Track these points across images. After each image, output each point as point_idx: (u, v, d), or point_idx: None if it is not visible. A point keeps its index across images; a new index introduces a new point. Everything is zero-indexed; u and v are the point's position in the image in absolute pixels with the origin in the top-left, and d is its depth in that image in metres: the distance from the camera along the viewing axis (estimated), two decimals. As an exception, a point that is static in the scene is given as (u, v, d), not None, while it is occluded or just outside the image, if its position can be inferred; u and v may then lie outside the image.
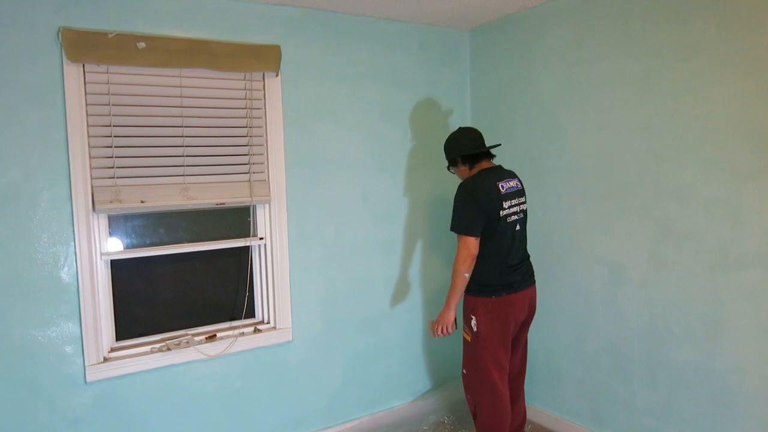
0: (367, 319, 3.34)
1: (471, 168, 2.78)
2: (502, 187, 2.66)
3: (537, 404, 3.35)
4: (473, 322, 2.70)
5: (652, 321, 2.69)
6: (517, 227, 2.70)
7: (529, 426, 3.29)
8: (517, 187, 2.75)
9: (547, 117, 3.15)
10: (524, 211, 2.77)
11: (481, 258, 2.66)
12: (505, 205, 2.65)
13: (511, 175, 2.79)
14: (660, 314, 2.65)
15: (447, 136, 2.90)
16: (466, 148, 2.78)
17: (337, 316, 3.23)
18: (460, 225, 2.63)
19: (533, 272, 2.85)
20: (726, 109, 2.33)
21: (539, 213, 3.20)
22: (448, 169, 2.92)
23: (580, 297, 3.05)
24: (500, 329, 2.67)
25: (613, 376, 2.90)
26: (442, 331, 2.73)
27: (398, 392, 3.50)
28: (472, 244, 2.60)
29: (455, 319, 2.73)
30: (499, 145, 2.89)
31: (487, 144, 2.86)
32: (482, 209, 2.60)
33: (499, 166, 2.82)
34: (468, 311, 2.74)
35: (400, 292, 3.48)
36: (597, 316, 2.96)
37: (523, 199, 2.77)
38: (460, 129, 2.89)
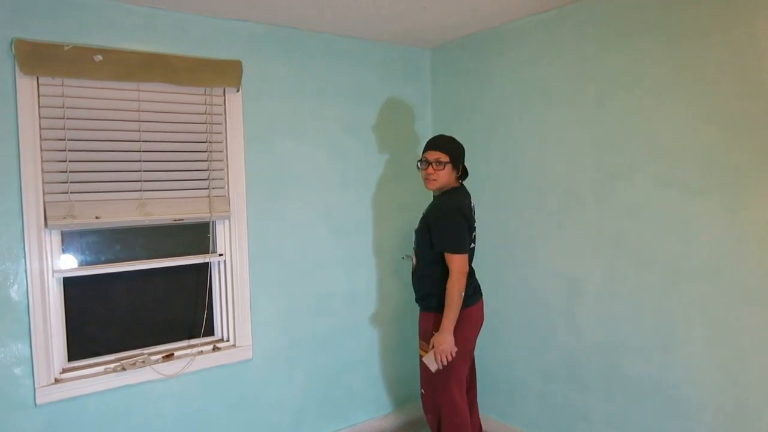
0: (328, 336, 3.32)
1: (459, 178, 2.77)
2: (471, 206, 2.74)
3: (496, 416, 3.38)
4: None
5: (607, 333, 2.76)
6: (471, 245, 2.75)
7: (490, 439, 3.31)
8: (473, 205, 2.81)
9: (504, 134, 3.22)
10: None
11: (444, 275, 2.67)
12: (474, 224, 2.74)
13: None
14: (615, 327, 2.72)
15: (456, 139, 2.75)
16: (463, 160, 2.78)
17: (299, 333, 3.20)
18: (454, 243, 2.58)
19: (479, 285, 2.88)
20: (675, 127, 2.43)
21: (498, 227, 3.25)
22: (440, 162, 2.66)
23: (539, 310, 3.10)
24: (463, 343, 2.69)
25: (571, 388, 2.95)
26: (446, 358, 2.57)
27: (361, 409, 3.48)
28: (464, 261, 2.59)
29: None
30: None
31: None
32: (468, 226, 2.66)
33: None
34: (430, 328, 2.69)
35: (361, 309, 3.47)
36: (555, 329, 3.02)
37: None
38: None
